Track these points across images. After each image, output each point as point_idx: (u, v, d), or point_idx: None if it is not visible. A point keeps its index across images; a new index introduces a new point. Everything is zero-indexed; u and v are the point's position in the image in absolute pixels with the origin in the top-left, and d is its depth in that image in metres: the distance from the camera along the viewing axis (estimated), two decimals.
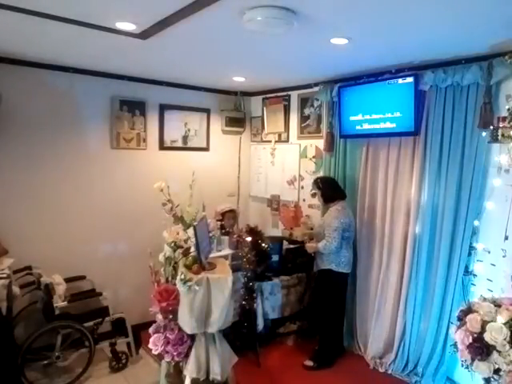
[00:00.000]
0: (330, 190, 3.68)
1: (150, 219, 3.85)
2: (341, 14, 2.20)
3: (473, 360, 2.22)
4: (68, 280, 3.47)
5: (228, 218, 4.17)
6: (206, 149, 4.72)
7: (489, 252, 3.01)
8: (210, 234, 3.00)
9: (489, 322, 2.20)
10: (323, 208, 3.87)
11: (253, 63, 3.45)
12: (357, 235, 3.80)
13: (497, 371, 2.17)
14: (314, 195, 4.31)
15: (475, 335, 2.21)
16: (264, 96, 4.82)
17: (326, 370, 3.55)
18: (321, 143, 4.14)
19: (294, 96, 4.49)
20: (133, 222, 4.11)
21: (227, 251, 3.71)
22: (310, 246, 3.71)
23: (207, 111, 4.67)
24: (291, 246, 4.09)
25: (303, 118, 4.41)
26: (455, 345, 2.36)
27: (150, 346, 2.53)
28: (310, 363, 3.60)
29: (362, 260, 3.83)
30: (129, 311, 3.62)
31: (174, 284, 2.50)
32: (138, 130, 4.15)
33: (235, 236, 3.79)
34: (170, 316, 2.52)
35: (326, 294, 3.61)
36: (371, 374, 3.53)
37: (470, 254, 3.09)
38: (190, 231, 2.62)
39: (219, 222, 3.93)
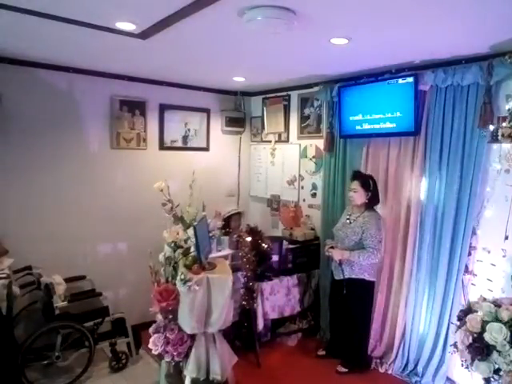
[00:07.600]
0: (378, 193, 3.43)
1: (150, 219, 3.85)
2: (341, 14, 2.20)
3: (473, 360, 2.23)
4: (68, 280, 3.46)
5: (234, 220, 4.19)
6: (206, 149, 4.71)
7: (489, 252, 3.01)
8: (210, 234, 3.00)
9: (489, 322, 2.20)
10: (354, 210, 3.43)
11: (253, 63, 3.45)
12: None
13: (497, 371, 2.18)
14: (314, 195, 4.32)
15: (475, 335, 2.22)
16: (264, 96, 4.82)
17: (326, 370, 3.54)
18: (321, 143, 4.14)
19: (294, 96, 4.49)
20: (133, 222, 4.11)
21: (227, 251, 3.71)
22: (338, 253, 3.35)
23: (207, 111, 4.67)
24: (291, 246, 4.09)
25: (303, 118, 4.41)
26: (455, 345, 2.36)
27: (150, 346, 2.54)
28: (342, 369, 3.51)
29: None
30: (129, 311, 3.62)
31: (174, 284, 2.50)
32: (138, 130, 4.15)
33: (235, 236, 3.79)
34: (170, 316, 2.53)
35: (360, 303, 3.42)
36: (371, 373, 3.53)
37: (470, 254, 3.09)
38: (190, 231, 2.63)
39: (221, 223, 3.92)
